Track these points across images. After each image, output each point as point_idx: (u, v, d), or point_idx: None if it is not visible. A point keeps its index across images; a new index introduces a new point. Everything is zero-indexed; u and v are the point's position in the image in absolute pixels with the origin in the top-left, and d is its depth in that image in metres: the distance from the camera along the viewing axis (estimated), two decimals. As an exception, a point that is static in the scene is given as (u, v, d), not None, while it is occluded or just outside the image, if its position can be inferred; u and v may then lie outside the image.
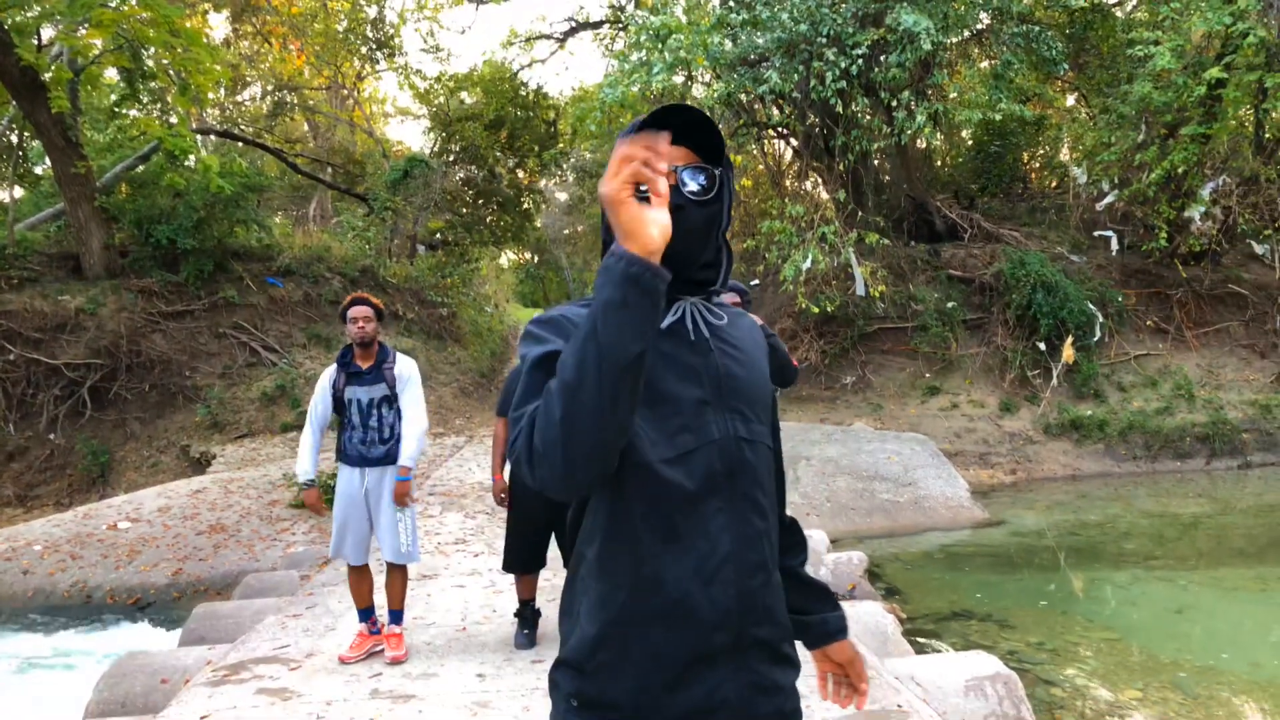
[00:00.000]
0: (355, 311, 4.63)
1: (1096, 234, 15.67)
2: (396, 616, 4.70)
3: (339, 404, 4.66)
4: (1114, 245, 15.30)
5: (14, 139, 17.95)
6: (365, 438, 4.60)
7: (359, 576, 4.69)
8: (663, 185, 1.18)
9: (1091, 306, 14.01)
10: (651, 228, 1.17)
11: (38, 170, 19.58)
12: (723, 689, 1.36)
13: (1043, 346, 13.97)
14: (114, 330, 13.63)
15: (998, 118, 12.99)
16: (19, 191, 20.56)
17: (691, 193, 1.38)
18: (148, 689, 4.68)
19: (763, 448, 1.45)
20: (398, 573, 4.68)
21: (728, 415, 1.41)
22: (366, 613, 4.72)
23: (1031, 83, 16.51)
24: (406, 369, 4.70)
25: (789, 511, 8.42)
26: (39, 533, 9.22)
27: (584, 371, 1.17)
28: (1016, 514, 10.33)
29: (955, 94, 13.63)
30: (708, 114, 1.41)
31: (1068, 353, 13.52)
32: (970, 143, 19.17)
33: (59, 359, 13.32)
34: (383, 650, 4.63)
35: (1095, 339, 13.98)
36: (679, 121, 1.37)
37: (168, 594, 8.17)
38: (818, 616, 1.62)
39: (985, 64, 16.96)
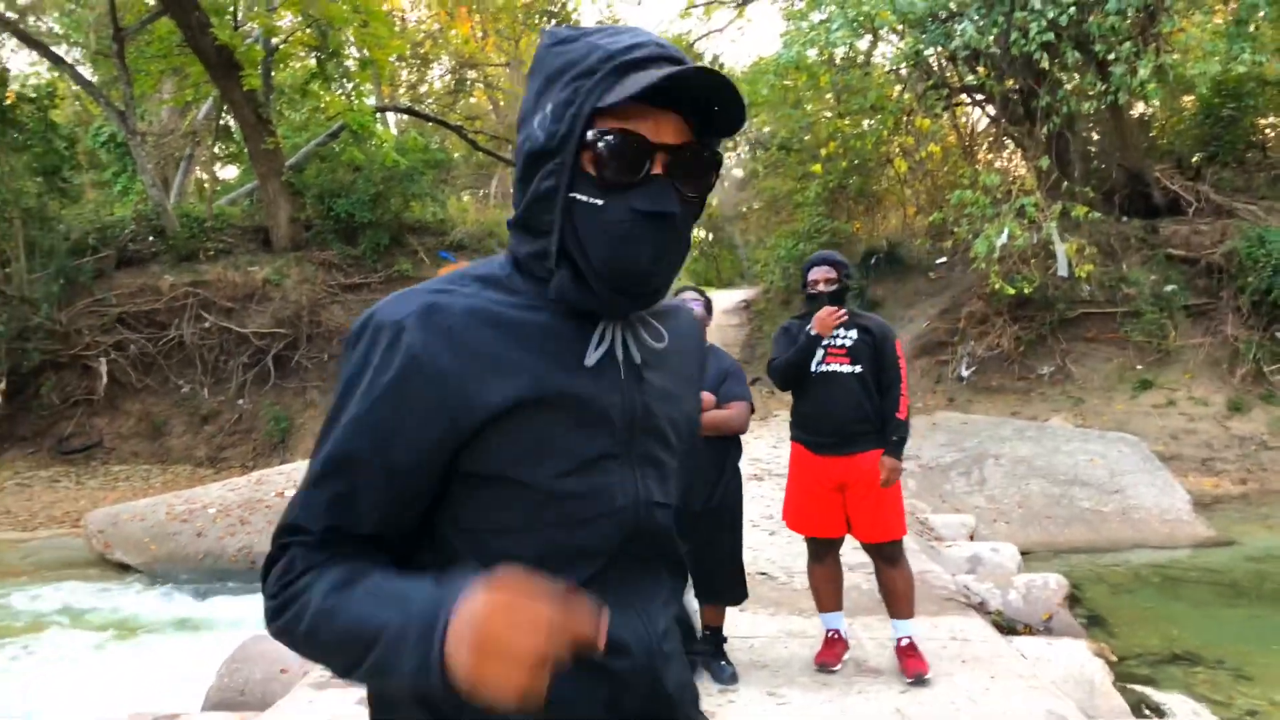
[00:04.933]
0: None
1: (1357, 208, 13.42)
2: None
3: None
4: (1380, 221, 13.04)
5: (221, 119, 19.05)
6: None
7: None
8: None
9: (1348, 292, 11.98)
10: (513, 697, 0.85)
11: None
12: None
13: (1284, 338, 12.09)
14: (296, 301, 14.17)
15: (1241, 69, 11.19)
16: (233, 170, 21.98)
17: (682, 186, 1.03)
18: (267, 677, 4.49)
19: (673, 510, 1.15)
20: None
21: (638, 472, 1.09)
22: None
23: (1278, 36, 14.30)
24: None
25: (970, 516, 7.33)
26: (214, 496, 9.56)
27: (328, 656, 1.00)
28: (1249, 532, 8.87)
29: (1184, 48, 11.90)
30: (724, 77, 1.00)
31: (1316, 345, 11.62)
32: (1195, 106, 16.93)
33: (247, 328, 13.97)
34: None
35: (1352, 330, 11.96)
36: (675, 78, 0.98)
37: (324, 564, 8.23)
38: None
39: (1221, 17, 14.87)
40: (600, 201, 0.99)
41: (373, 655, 0.91)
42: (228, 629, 6.33)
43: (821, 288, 3.99)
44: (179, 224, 14.71)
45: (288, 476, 10.17)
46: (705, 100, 1.01)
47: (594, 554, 1.05)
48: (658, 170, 1.00)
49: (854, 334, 3.98)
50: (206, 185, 19.66)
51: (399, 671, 0.89)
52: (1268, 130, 17.35)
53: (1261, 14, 11.78)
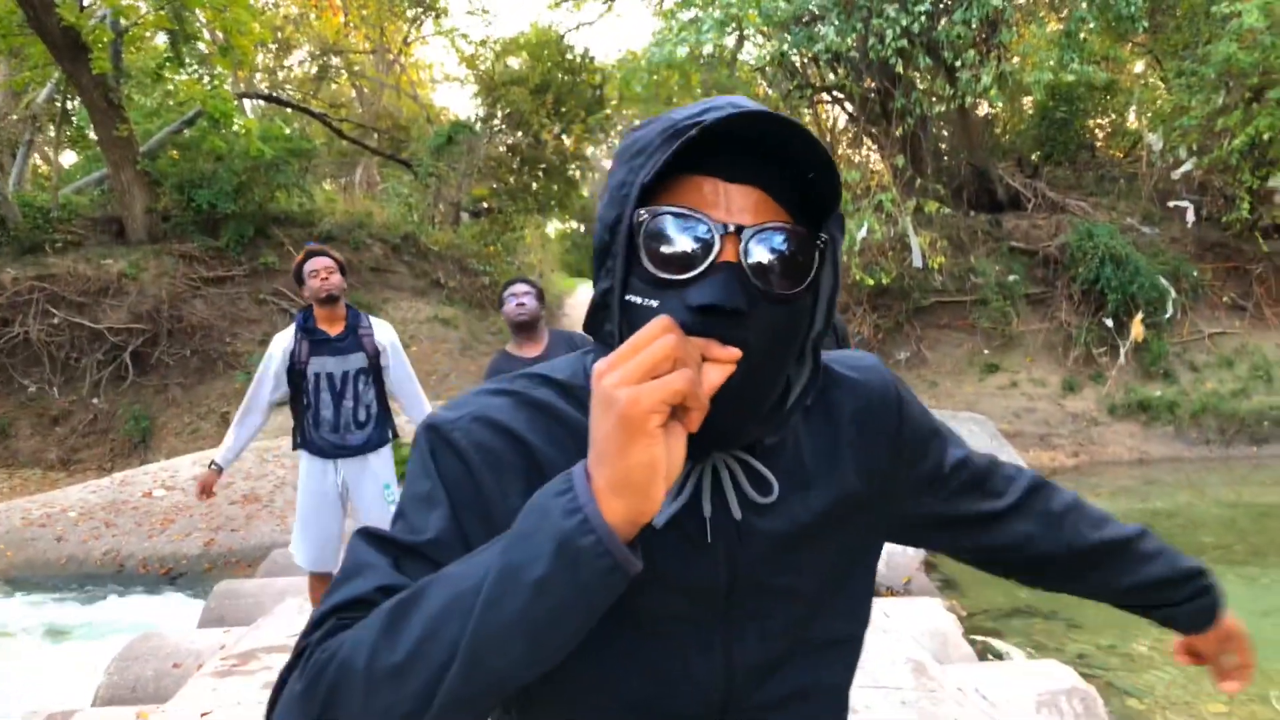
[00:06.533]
0: (315, 263, 3.87)
1: (1171, 204, 14.81)
2: None
3: (297, 380, 3.90)
4: (1189, 216, 14.44)
5: (65, 103, 17.93)
6: (339, 422, 3.85)
7: (322, 585, 3.98)
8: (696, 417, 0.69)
9: (1163, 281, 13.25)
10: (661, 486, 0.67)
11: (92, 136, 19.61)
12: None
13: (1110, 323, 13.27)
14: (155, 295, 13.56)
15: (1070, 78, 12.23)
16: (72, 156, 20.66)
17: (759, 278, 0.77)
18: (159, 673, 4.46)
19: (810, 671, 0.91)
20: None
21: (736, 632, 0.87)
22: None
23: (1104, 45, 15.61)
24: (388, 335, 3.97)
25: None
26: (75, 499, 9.15)
27: (419, 660, 0.67)
28: (1080, 500, 9.77)
29: (1022, 55, 12.89)
30: (802, 126, 0.78)
31: (1137, 330, 12.81)
32: (1033, 109, 18.30)
33: (101, 323, 13.29)
34: None
35: (1167, 316, 13.23)
36: (737, 135, 0.77)
37: (199, 564, 8.05)
38: (1161, 612, 1.14)
39: (1054, 26, 16.10)
40: (655, 303, 0.77)
41: (491, 577, 0.67)
42: (105, 633, 6.15)
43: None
44: (20, 213, 13.84)
45: (153, 476, 9.82)
46: (794, 167, 0.79)
47: None
48: (727, 258, 0.76)
49: None
50: (49, 173, 18.49)
51: (538, 552, 0.66)
52: (1096, 131, 18.90)
53: (1091, 25, 12.88)
